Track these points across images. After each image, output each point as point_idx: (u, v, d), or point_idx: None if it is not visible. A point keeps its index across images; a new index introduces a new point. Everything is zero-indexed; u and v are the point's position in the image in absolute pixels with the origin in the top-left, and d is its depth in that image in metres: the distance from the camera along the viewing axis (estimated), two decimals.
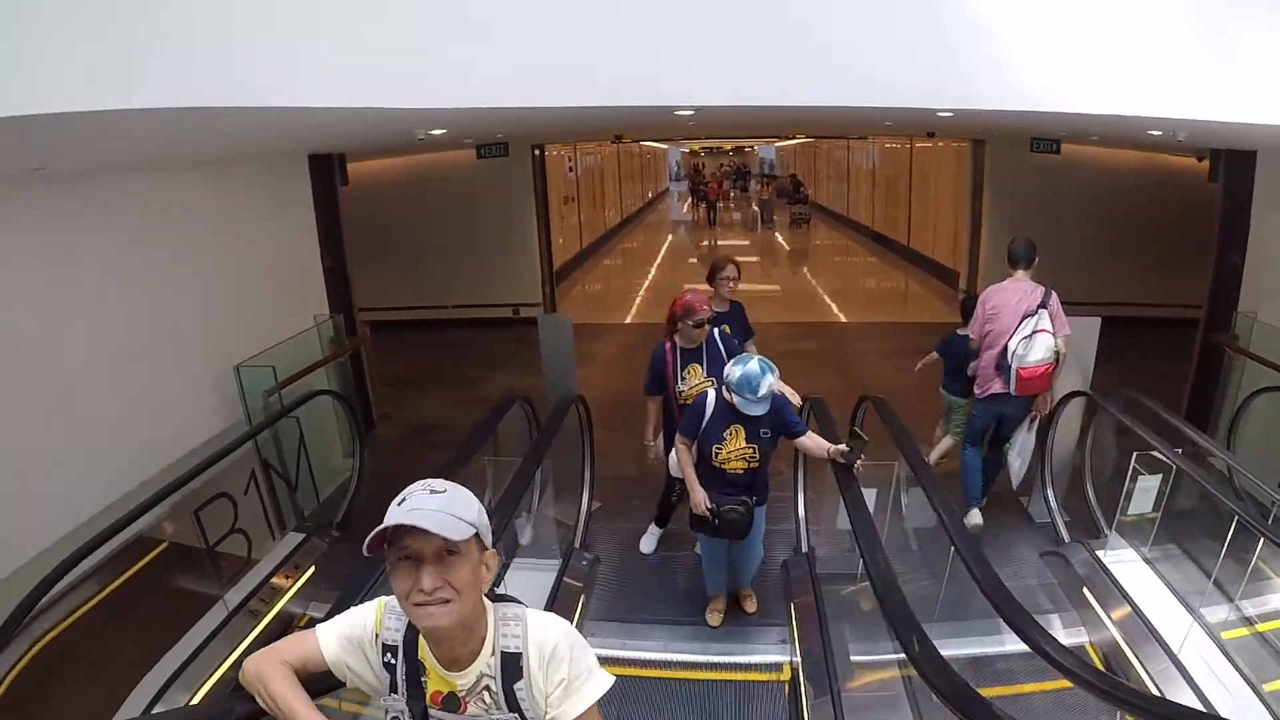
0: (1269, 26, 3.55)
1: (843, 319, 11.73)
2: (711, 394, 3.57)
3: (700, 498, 3.52)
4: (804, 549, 4.68)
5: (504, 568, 3.93)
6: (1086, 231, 9.57)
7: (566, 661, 1.49)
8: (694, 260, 15.89)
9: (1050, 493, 5.02)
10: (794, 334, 10.27)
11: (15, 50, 1.95)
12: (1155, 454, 4.22)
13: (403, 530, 1.36)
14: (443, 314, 10.60)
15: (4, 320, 3.54)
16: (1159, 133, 5.37)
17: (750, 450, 3.51)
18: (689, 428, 3.57)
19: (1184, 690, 3.59)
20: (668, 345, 4.20)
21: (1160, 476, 4.15)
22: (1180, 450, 4.20)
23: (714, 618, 4.09)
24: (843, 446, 3.47)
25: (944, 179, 12.92)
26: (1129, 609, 4.06)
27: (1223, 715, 2.88)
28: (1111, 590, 4.23)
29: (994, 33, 3.84)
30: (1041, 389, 4.77)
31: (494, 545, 1.56)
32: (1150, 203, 9.33)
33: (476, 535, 1.42)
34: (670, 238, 23.00)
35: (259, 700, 1.51)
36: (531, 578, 3.96)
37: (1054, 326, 4.62)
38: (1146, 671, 3.74)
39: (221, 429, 4.88)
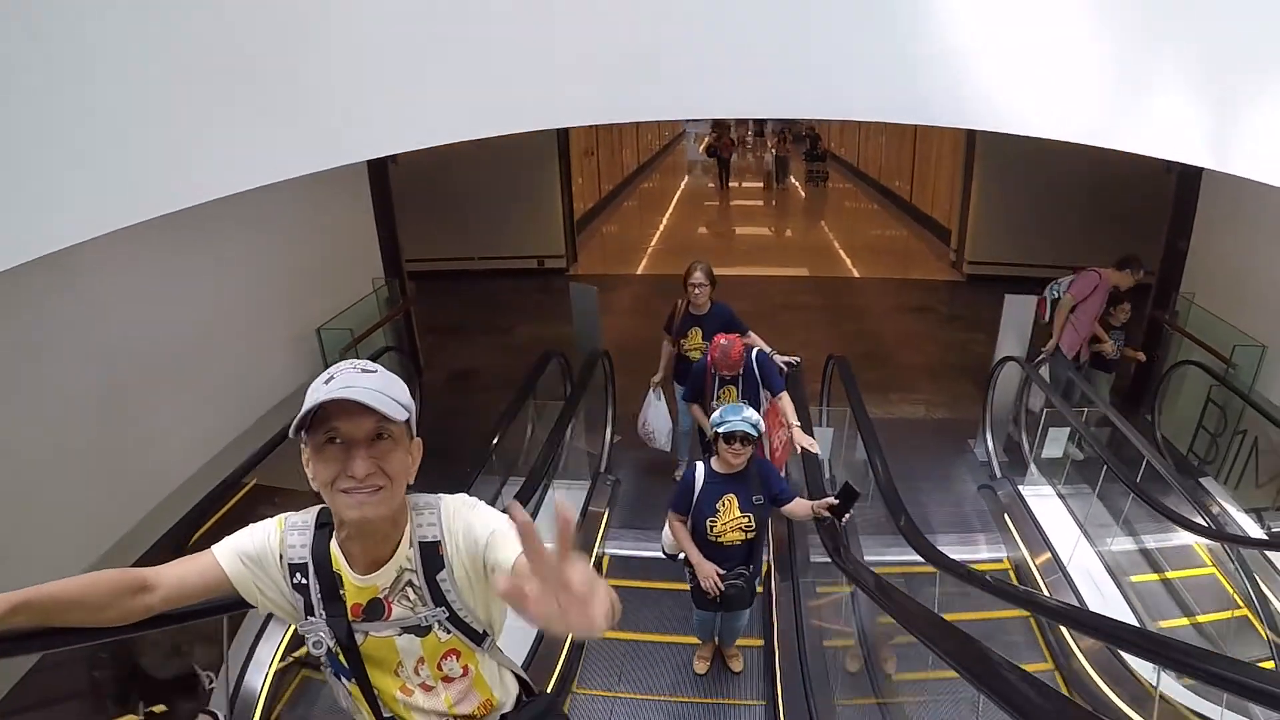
0: (1179, 71, 4.41)
1: (846, 274, 12.47)
2: (700, 466, 3.48)
3: (709, 570, 3.39)
4: None
5: (544, 489, 4.93)
6: (1065, 204, 10.31)
7: (484, 518, 1.41)
8: (703, 230, 16.49)
9: (989, 437, 6.09)
10: (797, 288, 11.19)
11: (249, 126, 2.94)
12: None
13: (332, 410, 1.25)
14: (470, 265, 11.28)
15: (146, 307, 4.56)
16: None
17: (746, 520, 3.40)
18: (680, 502, 3.47)
19: (1066, 591, 4.70)
20: (709, 361, 4.39)
21: (1068, 429, 5.20)
22: (1085, 410, 5.26)
23: (700, 665, 4.06)
24: (829, 500, 3.35)
25: (944, 144, 13.56)
26: (1036, 531, 5.16)
27: (1086, 608, 4.01)
28: (1025, 518, 5.32)
29: (949, 61, 4.76)
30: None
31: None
32: (1122, 181, 10.05)
33: (407, 422, 1.32)
34: (686, 179, 23.68)
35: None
36: (567, 494, 5.07)
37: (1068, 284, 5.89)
38: (1042, 579, 4.86)
39: (302, 383, 5.96)
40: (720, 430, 3.30)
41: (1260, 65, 3.81)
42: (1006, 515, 5.43)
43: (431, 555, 1.39)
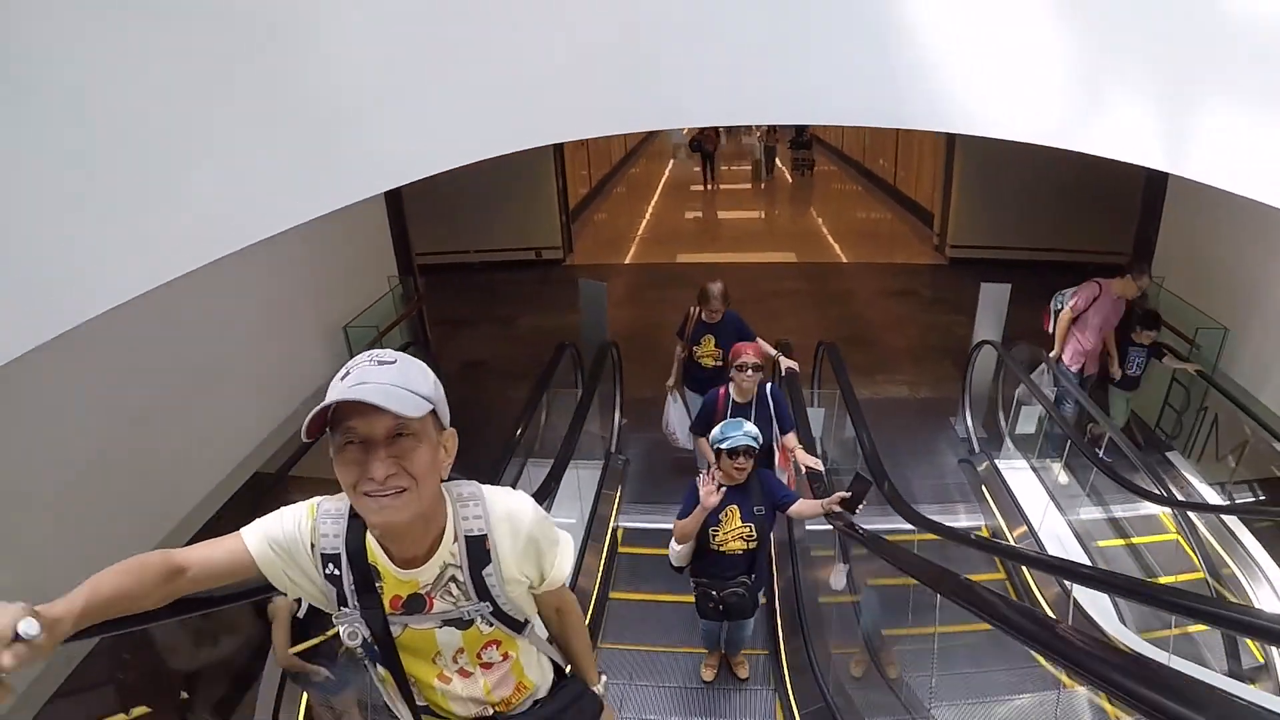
0: (1134, 81, 4.84)
1: (833, 259, 12.86)
2: (715, 473, 3.48)
3: (707, 502, 3.31)
4: None
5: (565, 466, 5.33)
6: (1043, 189, 10.74)
7: (536, 532, 1.39)
8: (692, 216, 16.72)
9: (968, 415, 6.58)
10: (785, 274, 11.61)
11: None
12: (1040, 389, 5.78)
13: (347, 409, 1.18)
14: (470, 257, 11.56)
15: (199, 319, 4.93)
16: None
17: (747, 529, 3.46)
18: (686, 512, 3.47)
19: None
20: (721, 392, 4.35)
21: (1039, 408, 5.69)
22: (1055, 389, 5.76)
23: (708, 673, 4.11)
24: (840, 494, 3.38)
25: (927, 130, 13.93)
26: (1010, 501, 5.66)
27: (1057, 556, 4.51)
28: (1001, 489, 5.82)
29: (925, 71, 5.19)
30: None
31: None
32: (1097, 168, 10.41)
33: (434, 413, 1.25)
34: (671, 163, 24.07)
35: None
36: (582, 475, 5.50)
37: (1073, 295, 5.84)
38: (1013, 539, 5.37)
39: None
40: (723, 447, 3.35)
41: (1207, 78, 4.25)
42: (984, 486, 5.93)
43: (478, 550, 1.34)
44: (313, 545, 1.33)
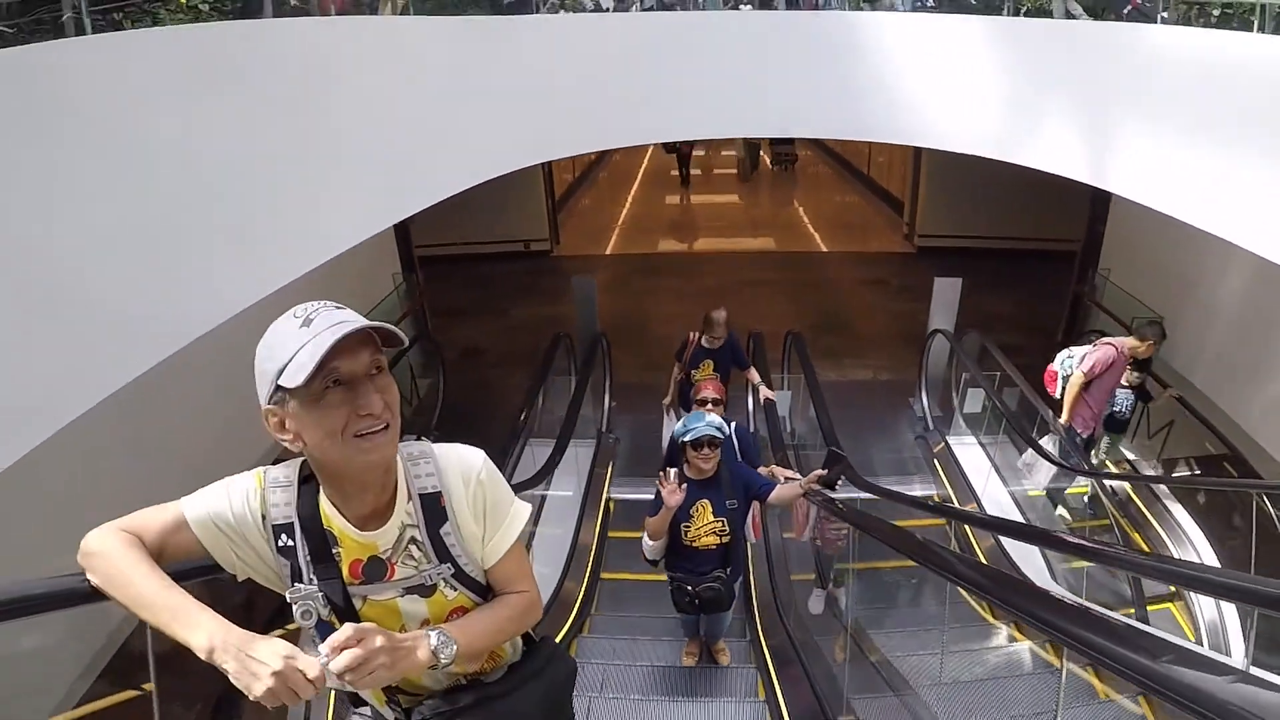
0: (1062, 109, 5.49)
1: (808, 249, 13.40)
2: (672, 474, 3.37)
3: (671, 501, 3.22)
4: None
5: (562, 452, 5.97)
6: (1005, 182, 11.27)
7: (489, 488, 1.33)
8: (671, 202, 17.06)
9: (924, 396, 7.28)
10: (761, 264, 12.23)
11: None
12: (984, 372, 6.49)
13: (332, 349, 1.10)
14: (462, 250, 11.71)
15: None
16: None
17: (719, 524, 3.43)
18: (654, 509, 3.39)
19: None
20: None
21: (983, 391, 6.39)
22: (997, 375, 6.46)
23: (689, 659, 4.12)
24: (817, 473, 3.42)
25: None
26: (959, 472, 6.36)
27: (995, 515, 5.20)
28: (951, 462, 6.52)
29: (884, 94, 5.89)
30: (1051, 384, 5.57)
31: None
32: None
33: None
34: (650, 149, 24.49)
35: (104, 589, 1.19)
36: (578, 451, 6.13)
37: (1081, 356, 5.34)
38: (958, 503, 6.07)
39: None
40: (687, 439, 3.34)
41: (1125, 111, 4.93)
42: (936, 460, 6.64)
43: (433, 508, 1.29)
44: (263, 516, 1.24)
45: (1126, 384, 5.61)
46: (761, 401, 5.49)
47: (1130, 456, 6.68)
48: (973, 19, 5.75)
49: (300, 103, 3.88)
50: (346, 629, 1.11)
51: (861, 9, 6.38)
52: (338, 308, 1.17)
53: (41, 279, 2.57)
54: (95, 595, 1.20)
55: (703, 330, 5.37)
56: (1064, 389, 5.41)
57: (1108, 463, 6.14)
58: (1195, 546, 5.44)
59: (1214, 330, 6.81)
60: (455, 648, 1.22)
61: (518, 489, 4.40)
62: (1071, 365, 5.38)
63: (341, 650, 1.08)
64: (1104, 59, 4.98)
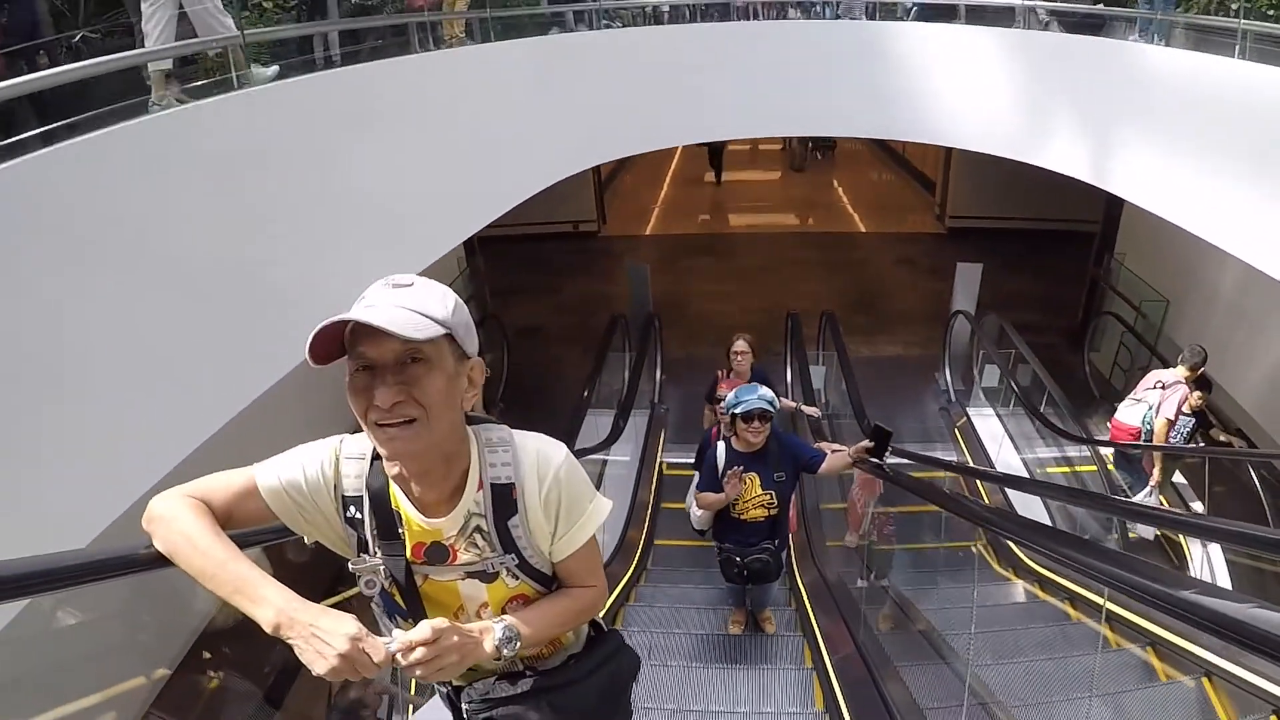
0: (1069, 114, 6.09)
1: (845, 229, 13.87)
2: (721, 447, 3.53)
3: (731, 492, 3.40)
4: None
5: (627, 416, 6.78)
6: (1030, 165, 11.78)
7: (566, 486, 1.27)
8: (710, 182, 16.94)
9: (947, 371, 7.97)
10: (800, 243, 12.85)
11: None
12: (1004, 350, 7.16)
13: (360, 334, 1.10)
14: (516, 230, 11.72)
15: None
16: None
17: (768, 497, 3.45)
18: (705, 482, 3.56)
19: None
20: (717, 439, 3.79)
21: (997, 367, 7.08)
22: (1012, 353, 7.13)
23: (735, 628, 4.15)
24: (864, 444, 3.26)
25: None
26: (976, 441, 7.06)
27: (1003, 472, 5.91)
28: (971, 431, 7.22)
29: (909, 96, 6.55)
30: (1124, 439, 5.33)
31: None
32: None
33: (450, 338, 1.15)
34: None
35: (169, 556, 1.18)
36: (635, 420, 6.95)
37: (1158, 404, 5.10)
38: (975, 466, 6.77)
39: None
40: (738, 411, 3.36)
41: (1119, 118, 5.53)
42: (957, 430, 7.34)
43: (504, 499, 1.25)
44: (336, 485, 1.25)
45: (1189, 410, 5.29)
46: (806, 416, 5.57)
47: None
48: (987, 30, 6.35)
49: (421, 127, 4.72)
50: (424, 628, 1.10)
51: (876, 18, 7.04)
52: (396, 286, 1.14)
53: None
54: (158, 562, 1.20)
55: (728, 368, 5.04)
56: (1149, 436, 5.21)
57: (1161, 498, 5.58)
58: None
59: (1216, 312, 7.35)
60: (520, 641, 1.22)
61: (583, 454, 5.17)
62: (1151, 416, 5.17)
63: (412, 647, 1.09)
64: (1105, 72, 5.56)
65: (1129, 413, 5.39)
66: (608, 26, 6.69)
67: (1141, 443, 5.35)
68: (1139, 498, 5.08)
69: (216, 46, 3.57)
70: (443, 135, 4.96)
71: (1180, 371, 5.25)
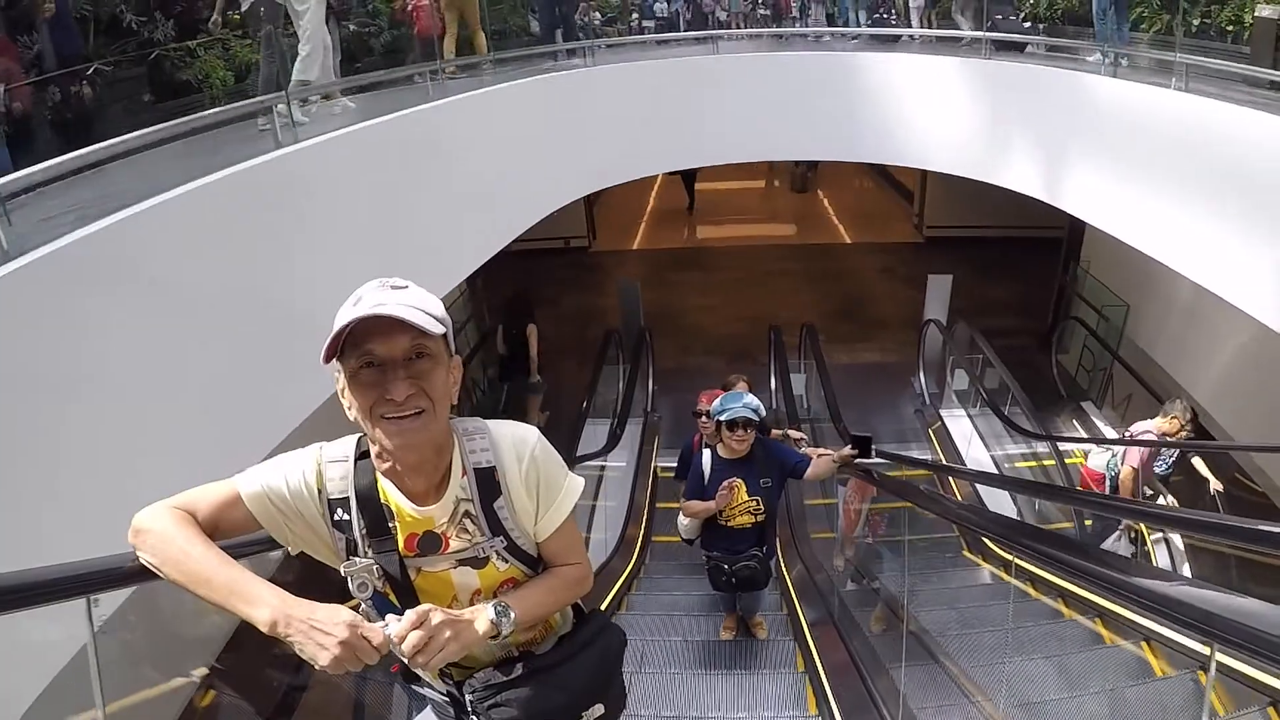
0: (1023, 138, 6.59)
1: (827, 240, 14.32)
2: (707, 455, 3.53)
3: (723, 499, 3.40)
4: None
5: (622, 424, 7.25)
6: None
7: (542, 465, 1.34)
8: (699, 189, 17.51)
9: (922, 375, 8.47)
10: (783, 255, 13.30)
11: None
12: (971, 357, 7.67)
13: (363, 333, 1.16)
14: (511, 246, 12.85)
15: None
16: None
17: (754, 503, 3.45)
18: (691, 490, 3.57)
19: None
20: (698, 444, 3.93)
21: (965, 373, 7.58)
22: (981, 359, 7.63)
23: (726, 634, 4.16)
24: (847, 450, 3.40)
25: None
26: (949, 440, 7.54)
27: (973, 468, 6.40)
28: (944, 432, 7.70)
29: (876, 124, 7.06)
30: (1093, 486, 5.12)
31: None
32: None
33: (445, 337, 1.22)
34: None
35: (157, 568, 1.20)
36: (630, 428, 7.38)
37: (1123, 452, 4.99)
38: (946, 463, 7.25)
39: None
40: (723, 419, 3.37)
41: (1073, 146, 6.02)
42: (930, 430, 7.83)
43: (488, 482, 1.31)
44: (320, 491, 1.28)
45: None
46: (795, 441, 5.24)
47: (1098, 423, 7.78)
48: (950, 59, 6.85)
49: (440, 165, 5.24)
50: (408, 615, 1.16)
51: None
52: (393, 287, 1.20)
53: None
54: (145, 574, 1.23)
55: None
56: (1114, 487, 5.02)
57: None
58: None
59: (1172, 316, 7.85)
60: (513, 615, 1.26)
61: (585, 460, 5.63)
62: (1116, 464, 5.06)
63: (406, 635, 1.13)
64: (1056, 100, 6.06)
65: (1097, 459, 5.30)
66: (594, 51, 7.21)
67: (1103, 492, 5.09)
68: (1108, 543, 4.90)
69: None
70: (461, 171, 5.45)
71: (1159, 423, 4.98)
